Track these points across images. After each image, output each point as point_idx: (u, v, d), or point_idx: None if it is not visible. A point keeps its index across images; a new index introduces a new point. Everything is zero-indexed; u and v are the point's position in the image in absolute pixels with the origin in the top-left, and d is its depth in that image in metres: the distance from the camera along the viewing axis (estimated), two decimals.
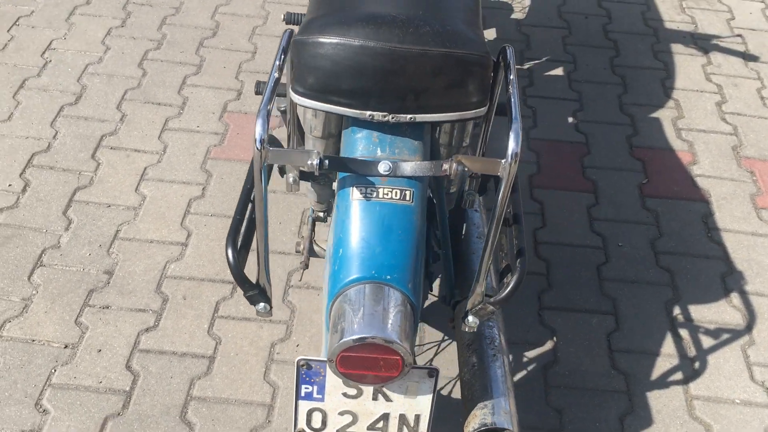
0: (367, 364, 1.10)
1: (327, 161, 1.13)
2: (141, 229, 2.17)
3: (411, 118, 1.17)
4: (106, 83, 2.61)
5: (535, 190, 2.38)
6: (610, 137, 2.58)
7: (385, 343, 1.08)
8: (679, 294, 2.10)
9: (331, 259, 1.20)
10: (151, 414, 1.77)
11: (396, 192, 1.19)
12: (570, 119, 2.64)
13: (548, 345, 1.97)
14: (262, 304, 1.28)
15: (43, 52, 2.71)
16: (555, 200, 2.35)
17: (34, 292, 1.99)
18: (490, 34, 2.97)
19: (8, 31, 2.78)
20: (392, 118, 1.17)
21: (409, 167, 1.18)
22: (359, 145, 1.23)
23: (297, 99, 1.19)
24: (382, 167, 1.18)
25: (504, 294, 1.21)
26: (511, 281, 1.21)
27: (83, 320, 1.95)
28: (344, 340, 1.09)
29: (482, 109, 1.20)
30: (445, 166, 1.13)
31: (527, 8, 3.14)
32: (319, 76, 1.15)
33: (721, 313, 2.06)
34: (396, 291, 1.15)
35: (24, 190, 2.24)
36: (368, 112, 1.17)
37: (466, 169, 1.14)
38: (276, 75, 1.21)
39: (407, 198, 1.19)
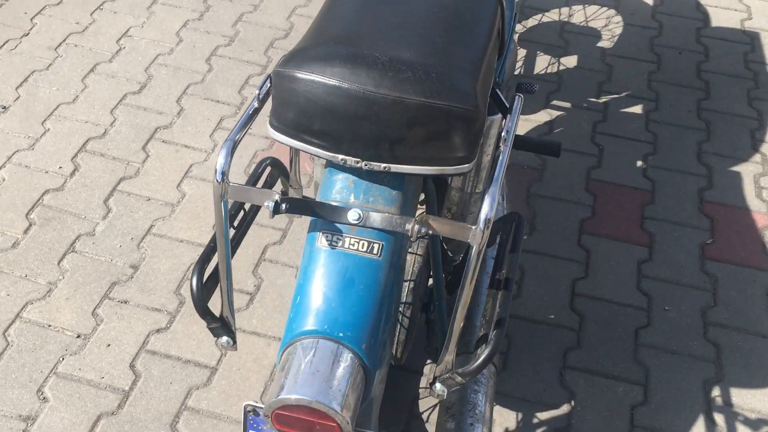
0: (303, 425, 1.03)
1: (285, 204, 1.07)
2: (174, 227, 2.17)
3: (385, 167, 1.09)
4: (171, 75, 2.64)
5: (584, 236, 2.22)
6: (680, 188, 2.38)
7: (321, 409, 1.01)
8: (722, 373, 1.91)
9: (291, 305, 1.13)
10: (143, 418, 1.76)
11: (363, 243, 1.11)
12: (639, 163, 2.46)
13: (564, 408, 1.83)
14: (225, 338, 1.24)
15: (119, 39, 2.77)
16: (604, 250, 2.19)
17: (60, 277, 2.03)
18: (570, 61, 2.82)
19: (91, 14, 2.86)
20: (365, 165, 1.09)
21: (378, 219, 1.10)
22: (334, 187, 1.15)
23: (272, 133, 1.13)
24: (352, 215, 1.11)
25: (472, 367, 1.11)
26: (483, 353, 1.11)
27: (100, 312, 1.97)
28: (280, 397, 1.03)
29: (466, 165, 1.09)
30: (408, 226, 1.04)
31: (616, 37, 2.95)
32: (292, 113, 1.08)
33: (767, 402, 1.86)
34: (348, 351, 1.07)
35: (72, 173, 2.29)
36: (341, 156, 1.09)
37: (429, 231, 1.05)
38: (256, 105, 1.15)
39: (374, 251, 1.11)
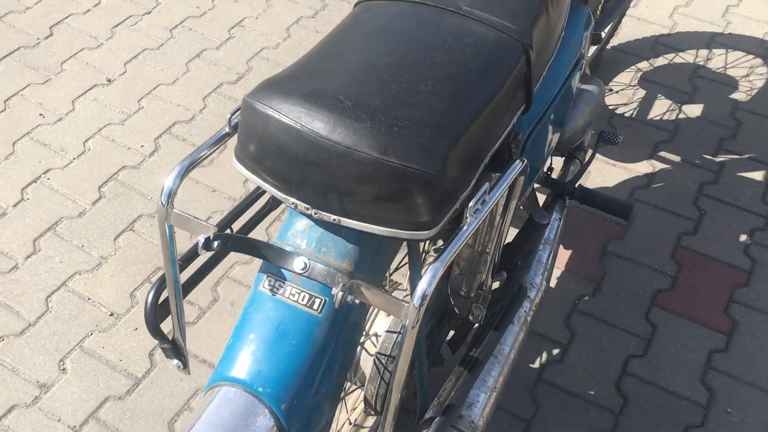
0: None
1: (219, 242, 0.99)
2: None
3: (335, 219, 0.99)
4: (270, 70, 2.65)
5: (655, 308, 1.99)
6: None
7: None
8: None
9: (226, 344, 1.06)
10: (145, 410, 1.77)
11: (304, 296, 1.02)
12: (743, 237, 2.17)
13: None
14: (175, 361, 1.20)
15: (232, 28, 2.81)
16: (673, 329, 1.95)
17: (112, 253, 2.09)
18: (693, 110, 2.54)
19: (213, 0, 2.93)
20: (315, 213, 1.00)
21: (322, 272, 1.00)
22: (290, 230, 1.07)
23: (234, 163, 1.06)
24: (298, 264, 1.02)
25: None
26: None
27: (137, 294, 2.00)
28: None
29: (425, 232, 0.97)
30: (335, 290, 0.94)
31: (755, 90, 2.63)
32: (252, 146, 1.00)
33: None
34: (265, 408, 0.99)
35: (151, 154, 2.35)
36: (291, 200, 1.00)
37: (357, 301, 0.94)
38: (227, 130, 1.09)
39: (315, 307, 1.01)
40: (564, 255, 2.11)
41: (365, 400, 1.39)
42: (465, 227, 0.96)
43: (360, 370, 1.40)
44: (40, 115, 2.43)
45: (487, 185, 1.01)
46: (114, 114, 2.46)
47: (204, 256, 1.12)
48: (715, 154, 2.41)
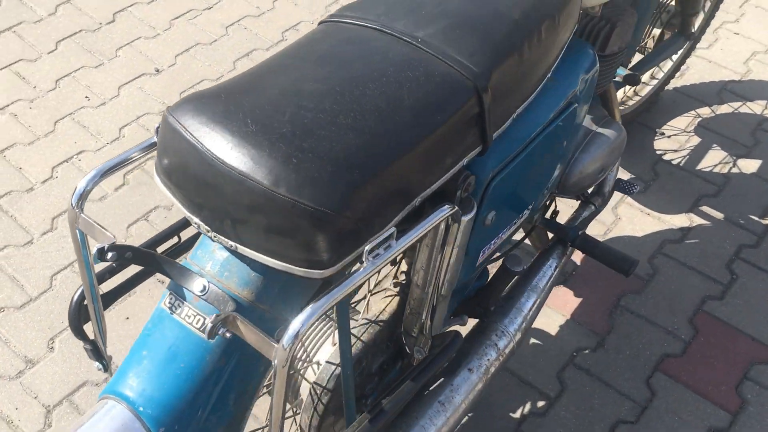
0: None
1: (113, 253, 0.97)
2: None
3: (233, 245, 0.95)
4: None
5: (658, 374, 1.85)
6: None
7: None
8: None
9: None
10: None
11: (199, 319, 0.99)
12: None
13: None
14: (97, 363, 1.19)
15: (286, 30, 2.82)
16: (674, 399, 1.81)
17: (123, 240, 2.13)
18: (749, 165, 2.36)
19: (274, 1, 2.95)
20: (214, 236, 0.96)
21: (218, 297, 0.97)
22: (201, 249, 1.04)
23: (154, 174, 1.04)
24: (197, 285, 0.99)
25: None
26: None
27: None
28: None
29: (318, 271, 0.92)
30: (207, 320, 0.90)
31: None
32: (164, 159, 0.98)
33: None
34: (143, 429, 0.97)
35: None
36: (195, 219, 0.97)
37: (228, 335, 0.89)
38: (154, 139, 1.07)
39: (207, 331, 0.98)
40: (572, 302, 2.00)
41: (300, 428, 1.35)
42: (360, 271, 0.91)
43: (299, 396, 1.36)
44: (86, 97, 2.52)
45: (393, 230, 0.95)
46: (154, 104, 2.52)
47: (135, 267, 1.11)
48: (763, 216, 2.23)
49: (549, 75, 1.29)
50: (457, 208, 1.05)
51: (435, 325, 1.30)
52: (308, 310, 0.86)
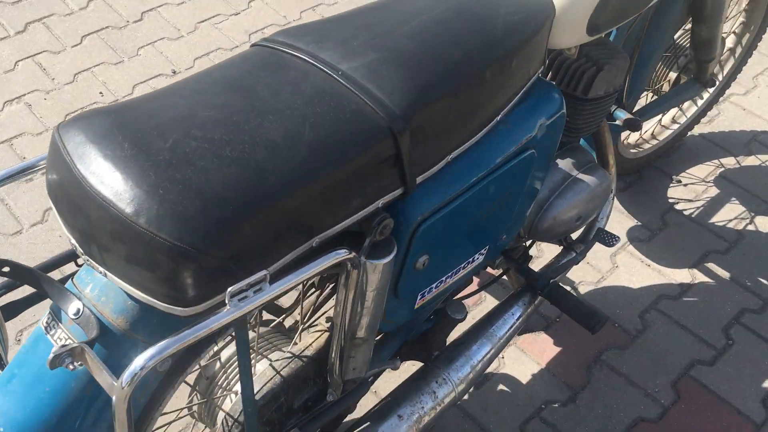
0: None
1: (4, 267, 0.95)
2: None
3: (103, 272, 0.91)
4: None
5: None
6: None
7: None
8: None
9: None
10: None
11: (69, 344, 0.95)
12: (766, 385, 1.85)
13: None
14: None
15: None
16: None
17: None
18: (766, 223, 2.21)
19: (301, 12, 2.94)
20: (87, 261, 0.93)
21: (89, 323, 0.93)
22: (87, 270, 1.00)
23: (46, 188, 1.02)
24: (72, 308, 0.96)
25: None
26: None
27: None
28: None
29: (179, 308, 0.87)
30: (54, 348, 0.86)
31: None
32: (49, 173, 0.95)
33: None
34: None
35: None
36: (72, 240, 0.94)
37: (71, 367, 0.85)
38: None
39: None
40: (550, 350, 1.90)
41: None
42: (220, 314, 0.86)
43: (216, 425, 1.32)
44: (100, 93, 2.55)
45: (264, 273, 0.89)
46: None
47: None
48: None
49: (500, 118, 1.22)
50: (353, 253, 0.99)
51: (357, 367, 1.24)
52: (151, 350, 0.82)
